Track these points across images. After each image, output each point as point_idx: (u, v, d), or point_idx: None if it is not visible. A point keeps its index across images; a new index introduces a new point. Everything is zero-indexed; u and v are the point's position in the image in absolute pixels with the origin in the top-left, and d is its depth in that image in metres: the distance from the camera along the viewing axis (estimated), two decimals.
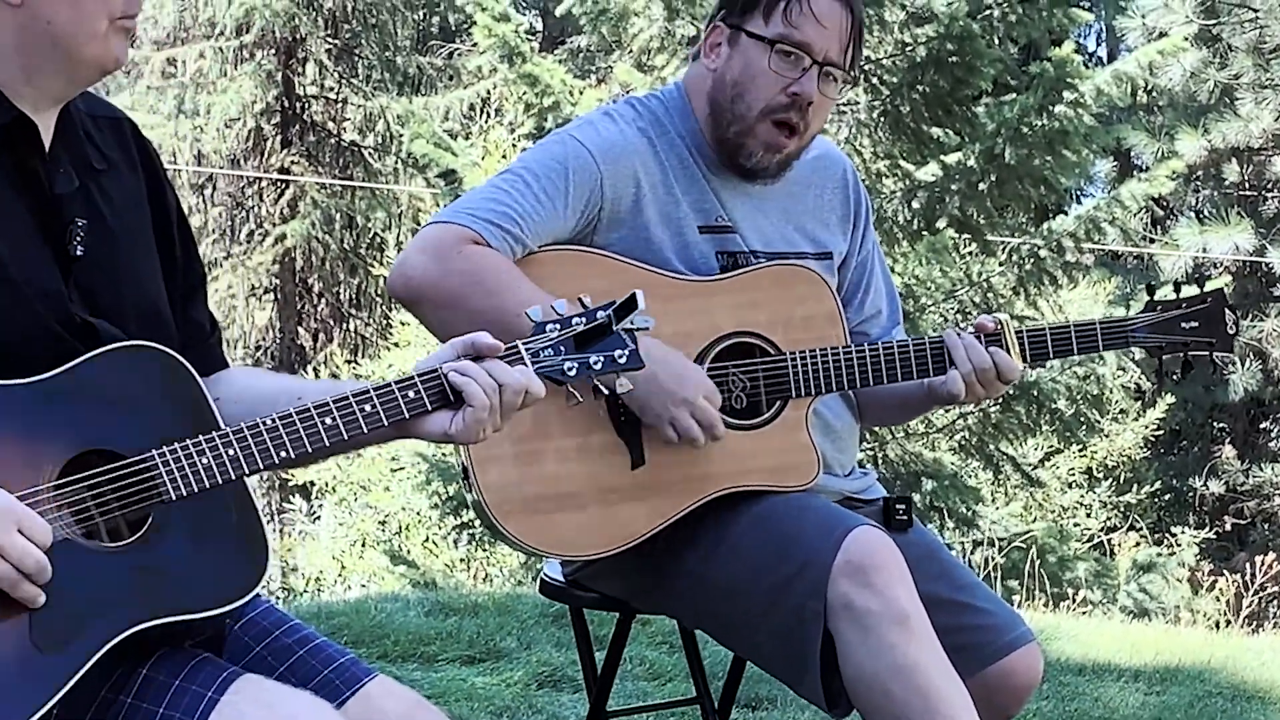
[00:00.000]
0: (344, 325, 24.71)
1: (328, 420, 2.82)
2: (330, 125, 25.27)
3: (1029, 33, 12.91)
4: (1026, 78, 12.77)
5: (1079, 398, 14.06)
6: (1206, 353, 4.07)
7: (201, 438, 2.74)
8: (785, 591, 3.57)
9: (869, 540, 3.55)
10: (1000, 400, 13.56)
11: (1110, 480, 19.20)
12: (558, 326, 3.03)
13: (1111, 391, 15.82)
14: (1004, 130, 12.38)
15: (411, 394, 2.88)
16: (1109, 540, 16.58)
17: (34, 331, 2.74)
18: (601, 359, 3.01)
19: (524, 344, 3.00)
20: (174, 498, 2.70)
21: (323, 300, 24.86)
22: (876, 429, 13.27)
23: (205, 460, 2.73)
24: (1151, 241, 20.65)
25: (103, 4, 2.77)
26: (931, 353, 3.87)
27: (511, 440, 3.65)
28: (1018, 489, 16.12)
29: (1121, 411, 19.39)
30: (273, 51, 24.64)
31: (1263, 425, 22.98)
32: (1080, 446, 17.60)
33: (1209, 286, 4.11)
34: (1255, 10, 18.91)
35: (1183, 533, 17.97)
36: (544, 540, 3.72)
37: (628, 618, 4.08)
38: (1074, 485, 18.57)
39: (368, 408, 2.85)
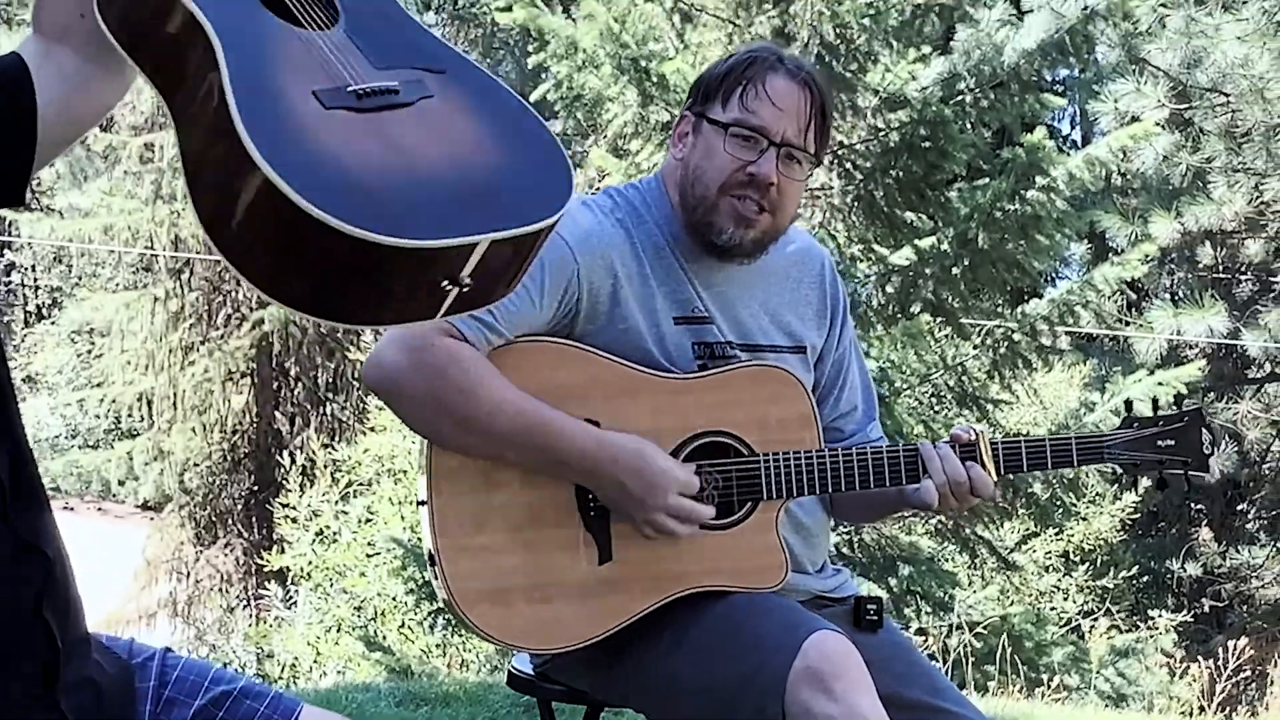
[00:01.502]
0: (321, 409, 24.65)
1: None
2: None
3: (1001, 118, 12.98)
4: (999, 162, 12.82)
5: (1055, 482, 14.06)
6: (1181, 471, 4.07)
7: None
8: (745, 692, 3.52)
9: (829, 645, 3.48)
10: None
11: (1087, 564, 19.17)
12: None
13: (1088, 475, 15.83)
14: (977, 215, 12.42)
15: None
16: (1086, 624, 16.55)
17: None
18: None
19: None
20: None
21: (299, 384, 24.82)
22: None
23: None
24: (1126, 324, 20.67)
25: None
26: (905, 461, 3.86)
27: (479, 530, 3.64)
28: (994, 573, 16.09)
29: (1098, 495, 19.38)
30: None
31: (1239, 507, 22.98)
32: (1057, 530, 17.60)
33: (1186, 405, 4.12)
34: (1226, 95, 18.99)
35: (1159, 616, 17.94)
36: (509, 632, 3.69)
37: (595, 711, 4.07)
38: (1051, 569, 18.54)
39: None
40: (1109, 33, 18.06)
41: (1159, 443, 4.02)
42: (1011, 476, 12.95)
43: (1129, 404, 4.16)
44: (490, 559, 3.60)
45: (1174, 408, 4.09)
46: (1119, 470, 4.13)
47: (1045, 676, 11.96)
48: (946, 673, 11.32)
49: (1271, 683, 13.53)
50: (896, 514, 4.27)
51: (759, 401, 3.80)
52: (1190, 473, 4.09)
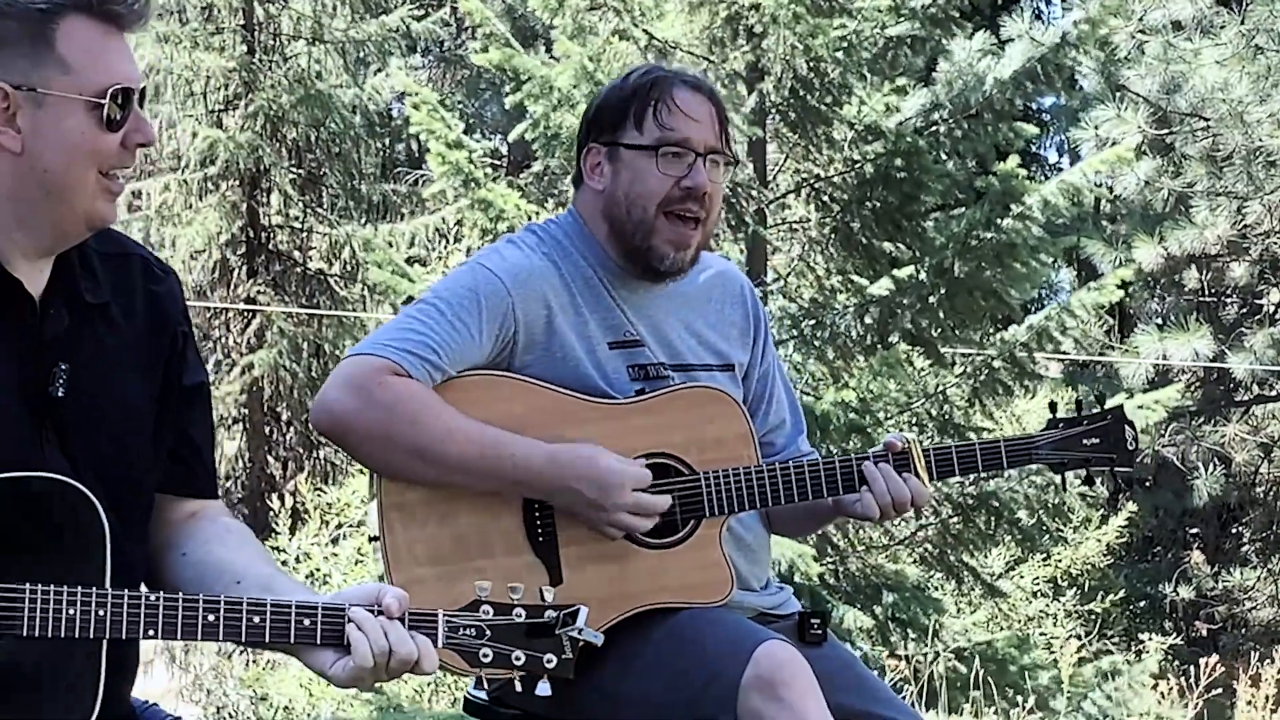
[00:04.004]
0: (313, 453, 24.63)
1: (210, 618, 2.86)
2: (296, 254, 25.32)
3: (976, 148, 13.10)
4: (974, 192, 12.92)
5: (1039, 507, 14.14)
6: (1108, 468, 4.18)
7: (80, 589, 2.79)
8: (697, 705, 3.63)
9: (777, 654, 3.60)
10: (960, 511, 13.65)
11: (1075, 589, 19.20)
12: (491, 610, 3.04)
13: (1073, 499, 15.87)
14: (952, 244, 12.52)
15: (306, 622, 2.91)
16: (1074, 648, 16.57)
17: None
18: (526, 658, 3.03)
19: (446, 615, 3.01)
20: (24, 634, 2.76)
21: (291, 429, 24.81)
22: (797, 540, 13.35)
23: (72, 612, 2.78)
24: (1111, 349, 20.76)
25: (94, 156, 2.90)
26: (841, 473, 3.96)
27: (431, 561, 3.74)
28: (982, 599, 16.15)
29: (1085, 520, 19.41)
30: (237, 183, 24.72)
31: (1233, 530, 23.04)
32: (1044, 556, 17.63)
33: (1109, 404, 4.23)
34: (1206, 119, 19.11)
35: (1150, 639, 17.96)
36: (456, 661, 3.78)
37: None
38: (1039, 594, 18.57)
39: (256, 619, 2.88)
40: (1085, 61, 18.19)
41: (1084, 441, 4.13)
42: (992, 484, 13.17)
43: (1053, 406, 4.26)
44: (443, 590, 3.63)
45: (1099, 407, 4.20)
46: (1049, 468, 4.21)
47: (1033, 701, 11.99)
48: (931, 698, 11.41)
49: (1236, 698, 13.57)
50: (831, 522, 4.37)
51: (697, 422, 3.92)
52: (1117, 469, 4.19)
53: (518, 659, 3.03)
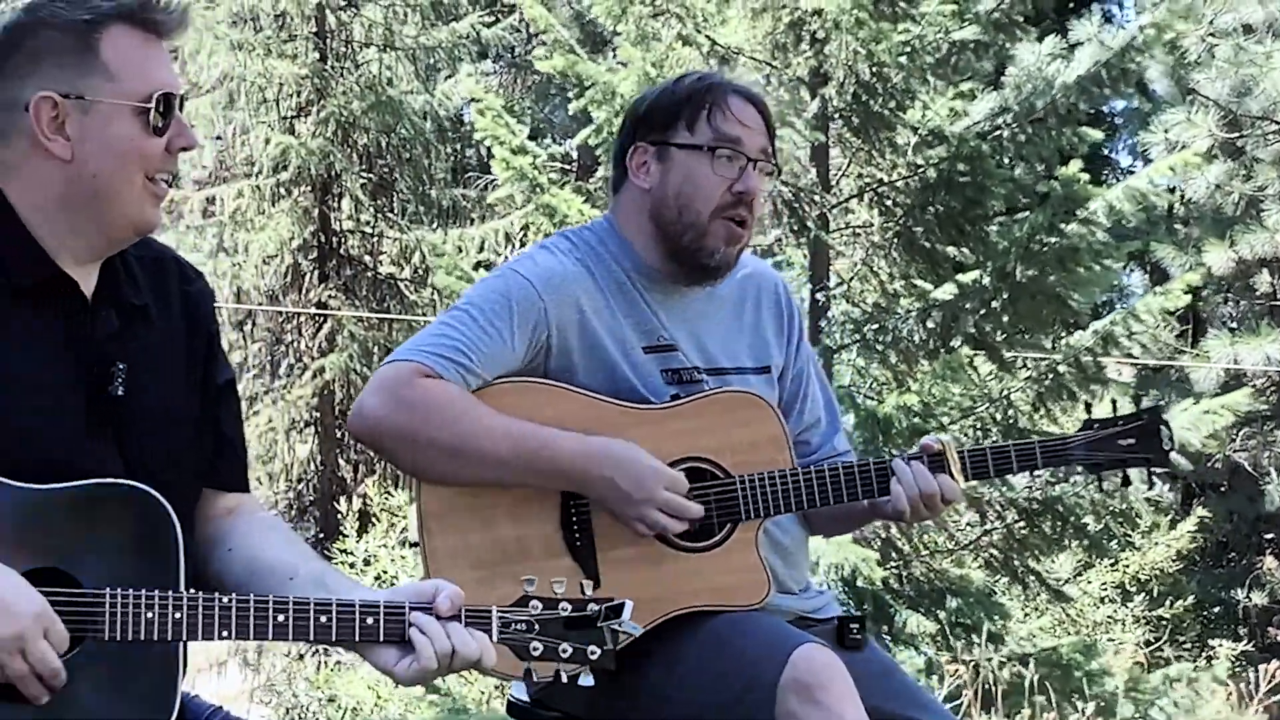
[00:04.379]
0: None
1: (279, 618, 2.92)
2: (367, 259, 25.45)
3: (1039, 152, 13.04)
4: (1038, 197, 12.87)
5: (1106, 513, 14.06)
6: (1144, 468, 4.18)
7: (157, 594, 2.84)
8: (736, 708, 3.65)
9: (815, 657, 3.62)
10: (1025, 516, 13.59)
11: (1144, 594, 19.08)
12: (540, 605, 3.11)
13: (1140, 504, 15.78)
14: (1015, 248, 12.46)
15: (370, 621, 2.98)
16: (1141, 655, 16.48)
17: (56, 460, 2.89)
18: (572, 650, 3.09)
19: (499, 611, 3.09)
20: (106, 638, 2.81)
21: None
22: (908, 551, 13.33)
23: (150, 616, 2.84)
24: (1182, 353, 20.65)
25: (140, 160, 2.98)
26: (876, 475, 3.99)
27: (471, 565, 3.78)
28: (1048, 604, 16.07)
29: (1154, 525, 19.29)
30: (309, 188, 24.87)
31: None
32: (1113, 561, 17.51)
33: (1145, 404, 4.23)
34: (1278, 123, 19.00)
35: (1220, 645, 17.85)
36: (504, 662, 3.82)
37: None
38: (1107, 600, 18.45)
39: (323, 619, 2.95)
40: (1155, 65, 18.09)
41: (1120, 442, 4.14)
42: (1057, 489, 13.12)
43: (1088, 407, 4.28)
44: (484, 593, 3.63)
45: (1135, 407, 4.21)
46: (1084, 469, 4.21)
47: (1091, 706, 11.92)
48: (991, 703, 11.37)
49: None
50: (866, 524, 4.39)
51: (731, 426, 3.95)
52: (1153, 469, 4.19)
53: (564, 651, 3.10)
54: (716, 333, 4.10)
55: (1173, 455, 4.23)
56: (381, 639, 2.99)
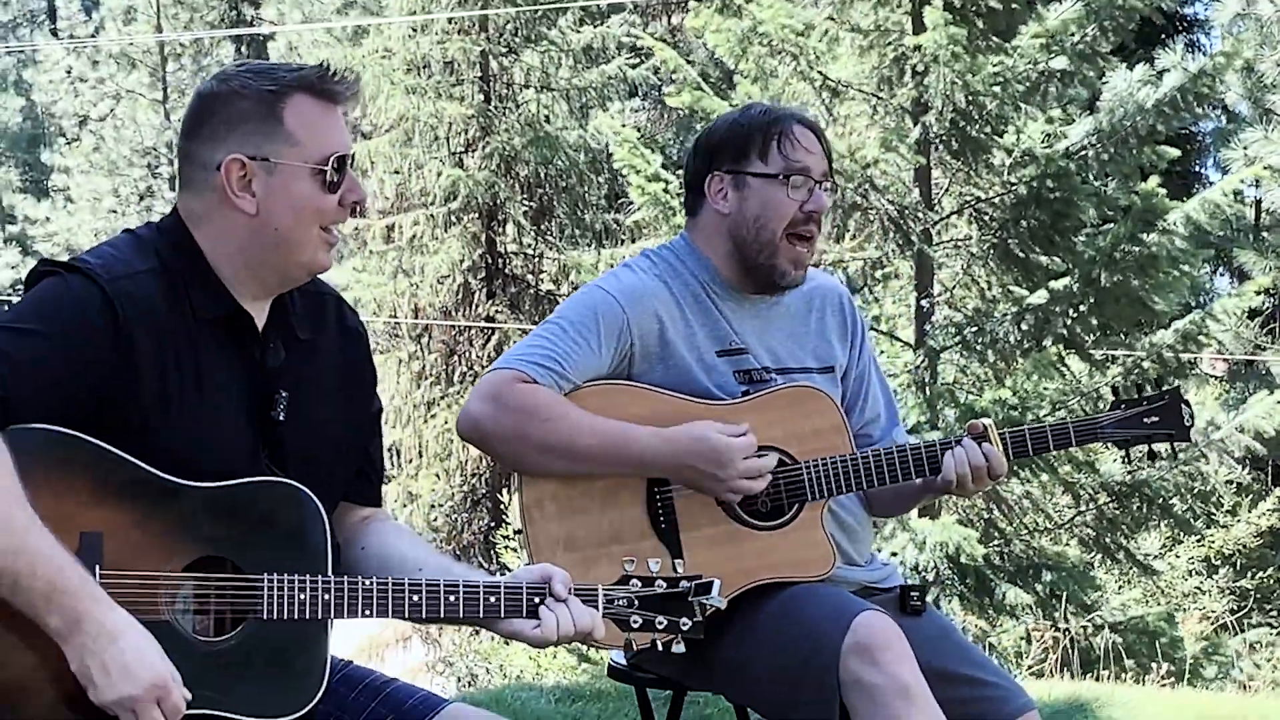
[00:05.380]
0: None
1: (414, 598, 2.99)
2: (529, 277, 25.64)
3: (1121, 169, 12.95)
4: (1122, 210, 12.76)
5: (1190, 495, 13.94)
6: (1167, 443, 4.16)
7: (309, 577, 2.93)
8: (805, 668, 3.67)
9: (873, 623, 3.64)
10: (1115, 497, 13.48)
11: (1228, 568, 18.80)
12: (639, 583, 3.19)
13: (1220, 486, 15.58)
14: (1100, 257, 12.37)
15: (492, 599, 3.05)
16: (1226, 622, 16.25)
17: (228, 472, 2.96)
18: (667, 622, 3.17)
19: (604, 589, 3.16)
20: (265, 617, 2.88)
21: None
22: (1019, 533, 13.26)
23: (303, 597, 2.91)
24: (1261, 349, 20.33)
25: (317, 215, 3.04)
26: (927, 457, 4.00)
27: (568, 549, 3.83)
28: (1138, 578, 15.87)
29: (1236, 505, 19.03)
30: (477, 216, 25.10)
31: None
32: (1198, 538, 17.28)
33: (1164, 386, 4.21)
34: None
35: None
36: (608, 633, 3.85)
37: (680, 694, 4.22)
38: (1193, 573, 18.20)
39: (451, 598, 3.02)
40: (1235, 88, 17.87)
41: (1145, 420, 4.12)
42: (1144, 473, 13.01)
43: (1115, 390, 4.26)
44: (580, 574, 3.70)
45: (1157, 389, 4.18)
46: (1114, 445, 4.18)
47: (1166, 668, 11.79)
48: (1087, 667, 11.27)
49: None
50: (921, 501, 4.37)
51: (797, 417, 3.97)
52: (1175, 443, 4.16)
53: (660, 623, 3.16)
54: (784, 337, 4.11)
55: (1192, 431, 4.20)
56: (503, 615, 3.06)
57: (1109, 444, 4.17)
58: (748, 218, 4.01)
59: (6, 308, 3.07)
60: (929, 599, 4.17)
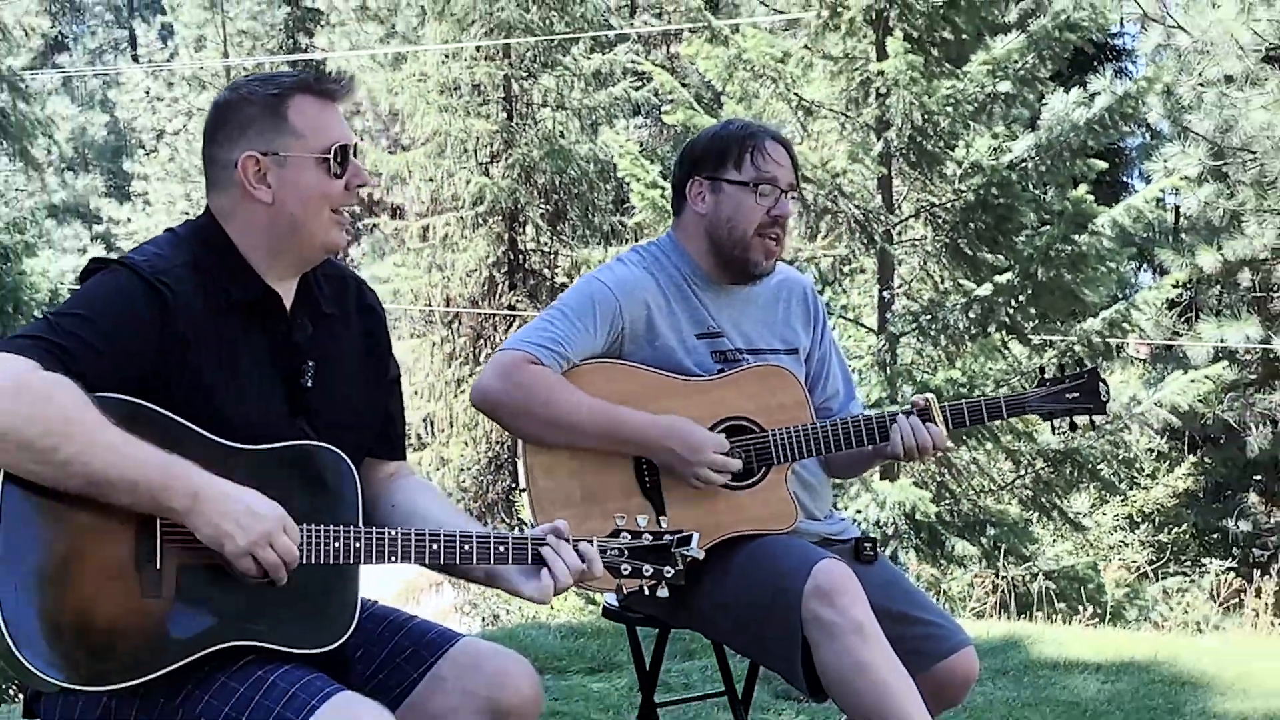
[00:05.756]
0: None
1: (434, 547, 2.98)
2: (546, 271, 25.61)
3: (1056, 179, 12.95)
4: (1057, 215, 12.76)
5: (1115, 460, 13.94)
6: (1087, 416, 4.14)
7: (343, 528, 2.91)
8: (772, 609, 3.68)
9: (831, 570, 3.65)
10: (1050, 462, 13.49)
11: (1147, 524, 18.83)
12: (629, 536, 3.19)
13: (1141, 454, 15.57)
14: (1037, 255, 12.36)
15: (501, 548, 3.04)
16: (1146, 571, 16.27)
17: (266, 435, 2.95)
18: (652, 569, 3.17)
19: (599, 541, 3.15)
20: (304, 562, 2.86)
21: None
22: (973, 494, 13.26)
23: (337, 545, 2.90)
24: (1177, 335, 20.28)
25: (326, 199, 3.01)
26: (877, 427, 3.98)
27: (565, 505, 3.81)
28: (1070, 532, 15.89)
29: (1155, 470, 19.07)
30: (500, 218, 25.08)
31: None
32: (1123, 498, 17.30)
33: (1086, 366, 4.19)
34: (1254, 153, 18.63)
35: (1210, 562, 17.55)
36: (602, 579, 3.86)
37: (665, 632, 4.24)
38: (1118, 529, 18.23)
39: (466, 547, 3.00)
40: (1156, 108, 17.83)
41: (1067, 395, 4.08)
42: (1076, 441, 13.01)
43: (1041, 369, 4.24)
44: (576, 526, 3.72)
45: (1078, 368, 4.16)
46: (1040, 417, 4.15)
47: (1104, 611, 11.79)
48: (1022, 610, 11.26)
49: (1242, 605, 13.15)
50: (872, 466, 4.36)
51: (765, 392, 3.95)
52: (1094, 416, 4.14)
53: (647, 571, 3.16)
54: (755, 322, 4.10)
55: (1109, 406, 4.18)
56: (510, 560, 3.05)
57: (1037, 416, 4.15)
58: (722, 219, 3.99)
59: None
60: (882, 550, 4.16)
